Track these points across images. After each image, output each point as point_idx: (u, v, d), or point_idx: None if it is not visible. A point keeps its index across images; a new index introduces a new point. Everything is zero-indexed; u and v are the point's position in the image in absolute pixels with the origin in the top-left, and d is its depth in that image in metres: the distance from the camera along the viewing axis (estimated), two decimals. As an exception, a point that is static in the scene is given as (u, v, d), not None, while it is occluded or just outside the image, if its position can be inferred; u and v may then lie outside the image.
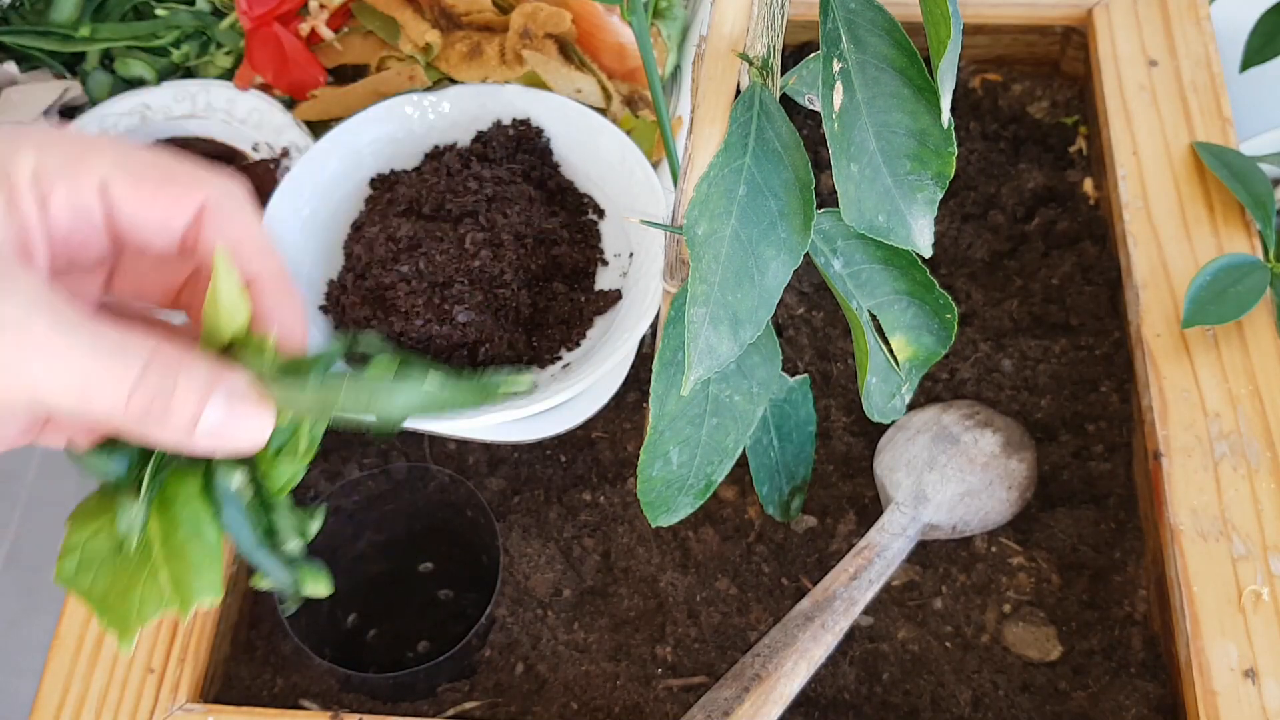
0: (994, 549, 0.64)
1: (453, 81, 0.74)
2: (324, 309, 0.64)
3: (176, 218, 0.37)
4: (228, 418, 0.36)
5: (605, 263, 0.66)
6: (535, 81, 0.71)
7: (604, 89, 0.73)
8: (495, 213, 0.64)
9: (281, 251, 0.59)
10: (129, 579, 0.37)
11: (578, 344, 0.63)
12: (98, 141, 0.37)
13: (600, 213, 0.68)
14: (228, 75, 0.80)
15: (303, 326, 0.40)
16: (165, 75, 0.80)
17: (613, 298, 0.64)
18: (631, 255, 0.66)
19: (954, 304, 0.49)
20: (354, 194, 0.68)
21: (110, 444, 0.39)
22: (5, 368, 0.33)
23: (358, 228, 0.67)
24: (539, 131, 0.69)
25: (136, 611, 0.37)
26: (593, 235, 0.67)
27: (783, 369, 0.54)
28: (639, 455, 0.48)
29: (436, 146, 0.69)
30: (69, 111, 0.78)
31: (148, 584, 0.37)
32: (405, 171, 0.68)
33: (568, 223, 0.66)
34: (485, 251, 0.62)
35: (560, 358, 0.63)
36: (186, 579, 0.37)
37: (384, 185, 0.68)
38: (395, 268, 0.62)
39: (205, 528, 0.38)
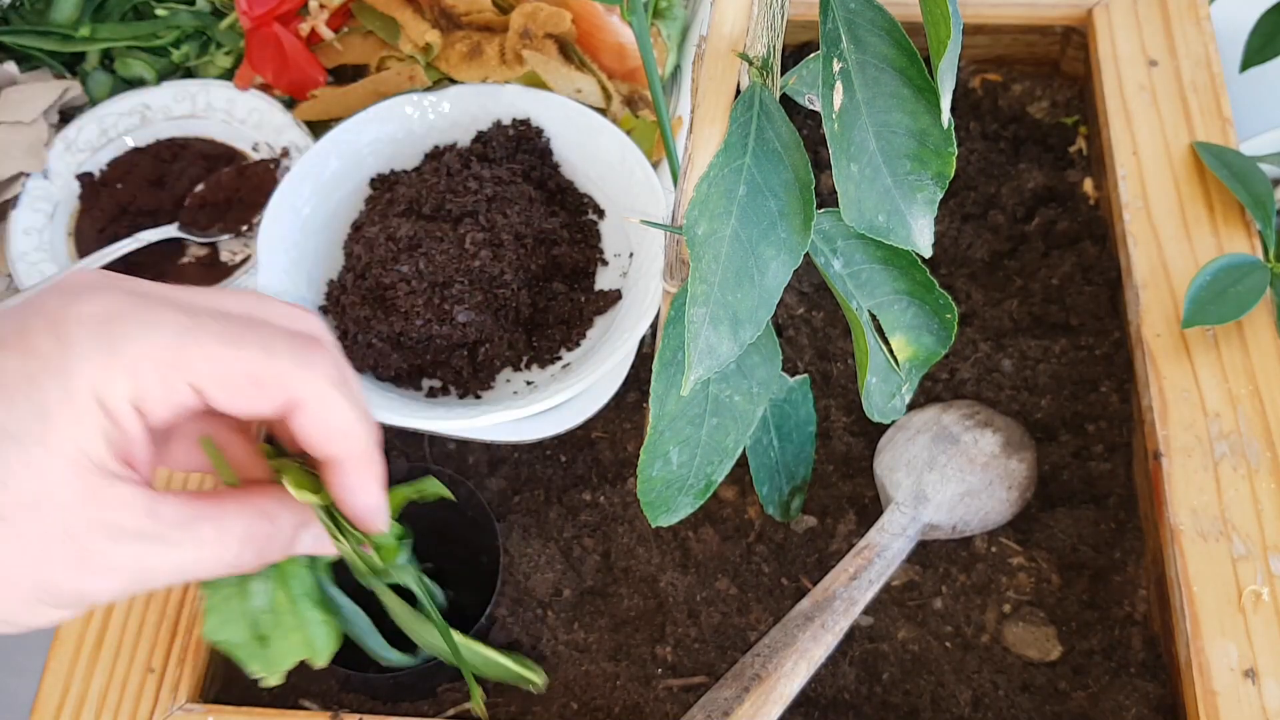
0: (994, 549, 0.64)
1: (453, 81, 0.74)
2: (324, 309, 0.64)
3: (264, 411, 0.41)
4: (315, 546, 0.45)
5: (605, 263, 0.66)
6: (535, 81, 0.71)
7: (604, 89, 0.73)
8: (495, 213, 0.64)
9: (289, 249, 0.59)
10: (267, 633, 0.45)
11: (578, 344, 0.63)
12: (187, 346, 0.39)
13: (600, 213, 0.68)
14: (228, 75, 0.80)
15: (379, 502, 0.45)
16: (165, 75, 0.80)
17: (613, 298, 0.64)
18: (631, 255, 0.66)
19: (954, 304, 0.49)
20: (354, 194, 0.68)
21: None
22: (121, 570, 0.39)
23: (358, 227, 0.67)
24: (539, 131, 0.69)
25: (278, 659, 0.44)
26: (593, 235, 0.67)
27: (783, 369, 0.54)
28: (639, 455, 0.48)
29: (436, 146, 0.69)
30: (69, 112, 0.78)
31: (282, 637, 0.45)
32: (405, 171, 0.68)
33: (568, 223, 0.66)
34: (485, 251, 0.62)
35: (560, 358, 0.63)
36: (311, 639, 0.45)
37: (384, 185, 0.68)
38: (395, 267, 0.62)
39: (316, 598, 0.46)
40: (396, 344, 0.62)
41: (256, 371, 0.40)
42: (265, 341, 0.40)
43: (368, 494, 0.44)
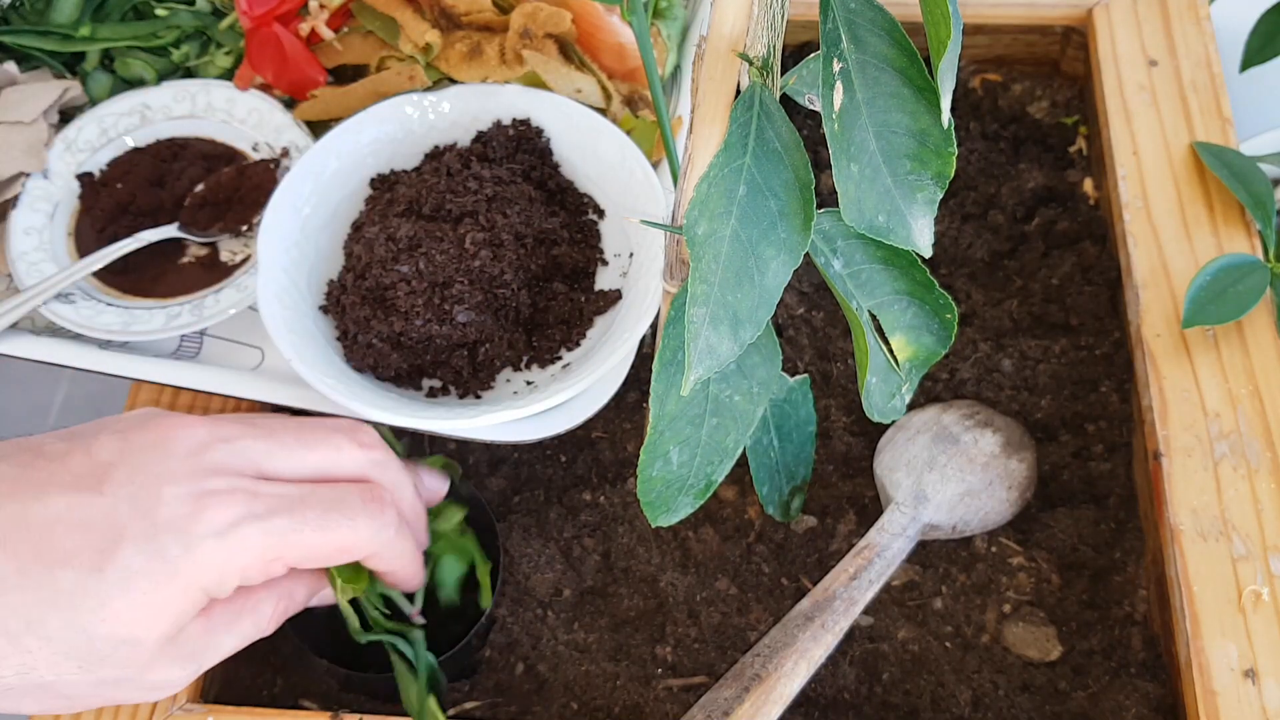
0: (994, 549, 0.64)
1: (453, 81, 0.74)
2: (324, 309, 0.64)
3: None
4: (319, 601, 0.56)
5: (605, 263, 0.66)
6: (535, 81, 0.71)
7: (604, 89, 0.73)
8: (495, 213, 0.64)
9: (289, 249, 0.60)
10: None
11: (578, 344, 0.63)
12: (289, 541, 0.48)
13: (600, 213, 0.68)
14: (228, 75, 0.80)
15: (417, 585, 0.58)
16: (165, 75, 0.80)
17: (613, 298, 0.64)
18: (631, 255, 0.66)
19: (954, 304, 0.49)
20: (354, 194, 0.68)
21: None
22: (180, 682, 0.50)
23: (358, 227, 0.67)
24: (539, 131, 0.69)
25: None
26: (593, 235, 0.67)
27: (783, 369, 0.54)
28: (639, 455, 0.48)
29: (436, 146, 0.69)
30: (69, 112, 0.78)
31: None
32: (405, 171, 0.68)
33: (568, 223, 0.66)
34: (485, 251, 0.62)
35: (560, 358, 0.63)
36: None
37: (384, 185, 0.68)
38: (395, 267, 0.62)
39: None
40: (396, 344, 0.62)
41: (345, 545, 0.50)
42: (351, 516, 0.49)
43: (411, 586, 0.57)
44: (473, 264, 0.61)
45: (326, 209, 0.67)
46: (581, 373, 0.60)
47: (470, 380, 0.63)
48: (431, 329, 0.61)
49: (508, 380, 0.63)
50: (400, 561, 0.53)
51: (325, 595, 0.55)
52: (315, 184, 0.67)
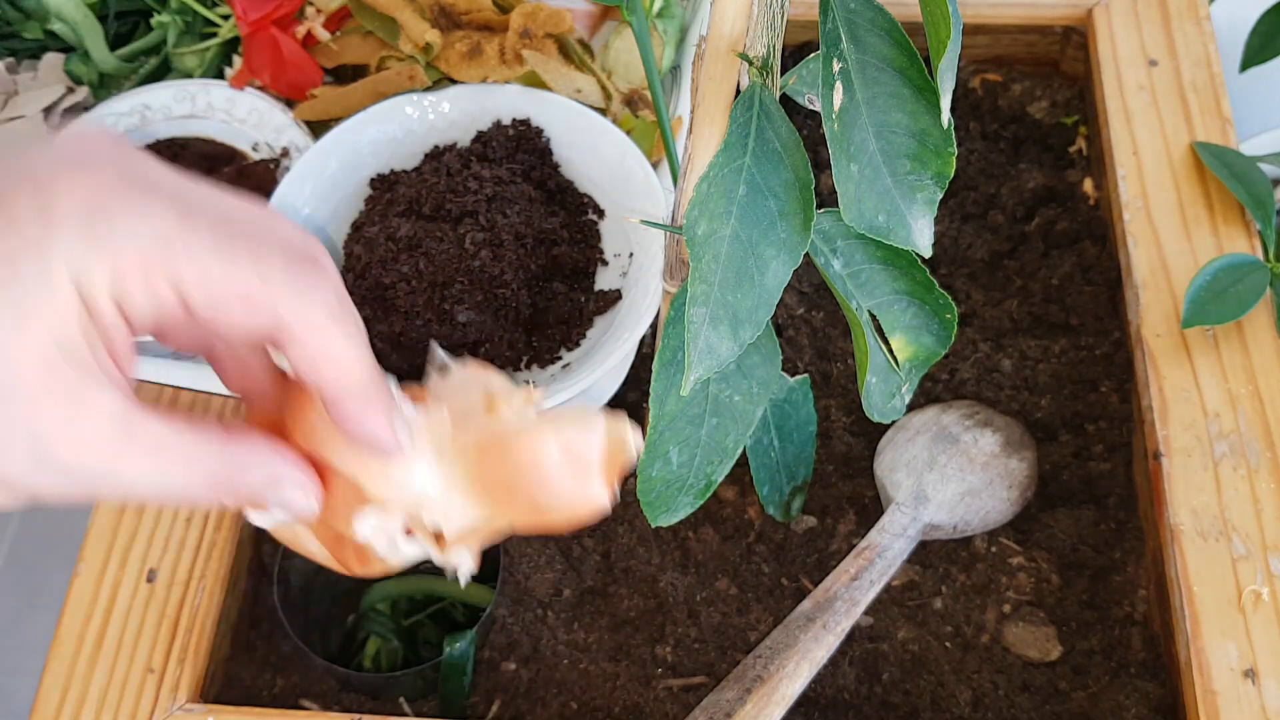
0: (994, 549, 0.64)
1: (453, 81, 0.74)
2: None
3: (251, 332, 0.38)
4: (275, 514, 0.42)
5: (605, 263, 0.66)
6: (535, 81, 0.71)
7: (604, 89, 0.73)
8: (495, 213, 0.64)
9: None
10: None
11: (578, 344, 0.63)
12: (176, 248, 0.36)
13: (600, 213, 0.68)
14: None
15: (382, 431, 0.41)
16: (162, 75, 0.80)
17: (612, 298, 0.64)
18: (631, 255, 0.66)
19: (954, 304, 0.49)
20: (354, 194, 0.68)
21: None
22: (76, 476, 0.36)
23: (358, 227, 0.67)
24: (539, 132, 0.69)
25: None
26: (593, 235, 0.67)
27: (783, 369, 0.54)
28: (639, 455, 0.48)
29: (436, 146, 0.69)
30: (71, 111, 0.78)
31: None
32: (405, 171, 0.68)
33: (568, 223, 0.66)
34: (485, 251, 0.62)
35: (560, 357, 0.63)
36: None
37: (384, 185, 0.68)
38: (395, 267, 0.62)
39: None
40: (396, 344, 0.62)
41: (246, 289, 0.37)
42: (260, 257, 0.37)
43: (369, 423, 0.41)
44: (473, 264, 0.62)
45: (326, 209, 0.67)
46: (581, 373, 0.60)
47: None
48: (431, 329, 0.61)
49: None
50: (340, 372, 0.40)
51: (281, 514, 0.43)
52: (315, 184, 0.67)
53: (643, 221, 0.47)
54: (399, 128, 0.69)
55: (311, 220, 0.66)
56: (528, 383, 0.63)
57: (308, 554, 0.43)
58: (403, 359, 0.62)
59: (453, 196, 0.64)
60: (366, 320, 0.62)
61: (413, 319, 0.61)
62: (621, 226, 0.67)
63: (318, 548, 0.43)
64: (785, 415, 0.60)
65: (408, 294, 0.61)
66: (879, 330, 0.49)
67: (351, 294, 0.63)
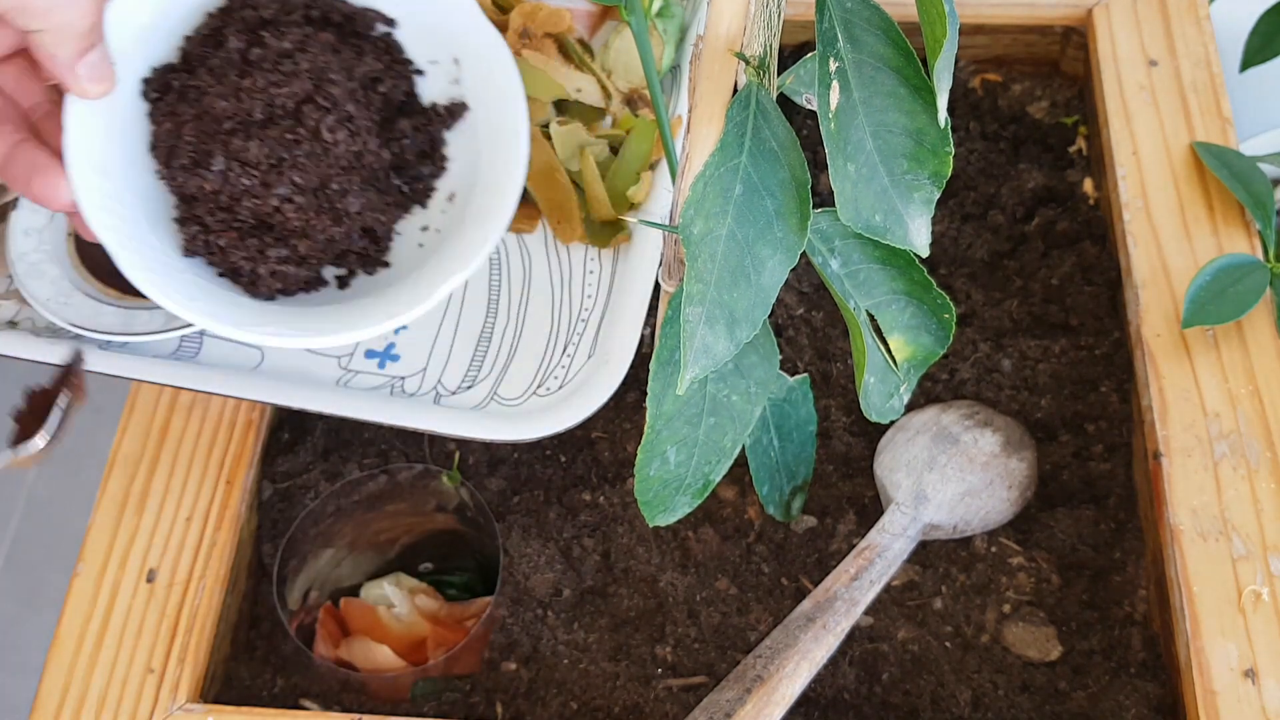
0: (994, 549, 0.64)
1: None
2: (190, 252, 0.59)
3: None
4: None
5: (421, 72, 0.62)
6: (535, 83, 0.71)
7: (604, 88, 0.73)
8: (325, 85, 0.58)
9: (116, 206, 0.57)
10: None
11: (444, 167, 0.61)
12: None
13: (390, 21, 0.62)
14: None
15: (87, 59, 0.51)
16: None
17: (457, 111, 0.61)
18: (457, 61, 0.62)
19: (952, 304, 0.49)
20: (129, 110, 0.59)
21: None
22: None
23: (169, 153, 0.58)
24: None
25: None
26: (395, 50, 0.62)
27: (782, 369, 0.54)
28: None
29: (194, 33, 0.60)
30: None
31: None
32: (187, 73, 0.59)
33: (372, 50, 0.61)
34: (341, 131, 0.58)
35: (435, 188, 0.61)
36: None
37: (166, 92, 0.59)
38: (271, 193, 0.57)
39: None
40: (301, 261, 0.59)
41: None
42: None
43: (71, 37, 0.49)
44: (337, 150, 0.58)
45: (119, 150, 0.58)
46: (480, 188, 0.58)
47: (373, 254, 0.61)
48: (332, 233, 0.58)
49: (400, 234, 0.61)
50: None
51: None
52: (106, 120, 0.57)
53: (641, 221, 0.47)
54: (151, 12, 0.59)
55: (112, 169, 0.57)
56: (423, 228, 0.61)
57: None
58: (308, 270, 0.60)
59: (276, 88, 0.57)
60: (260, 250, 0.58)
61: (313, 235, 0.58)
62: (420, 26, 0.62)
63: None
64: (785, 415, 0.60)
65: (297, 212, 0.57)
66: (877, 330, 0.49)
67: (226, 231, 0.57)
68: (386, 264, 0.61)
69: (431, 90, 0.62)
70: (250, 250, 0.58)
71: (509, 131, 0.60)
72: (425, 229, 0.62)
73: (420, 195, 0.62)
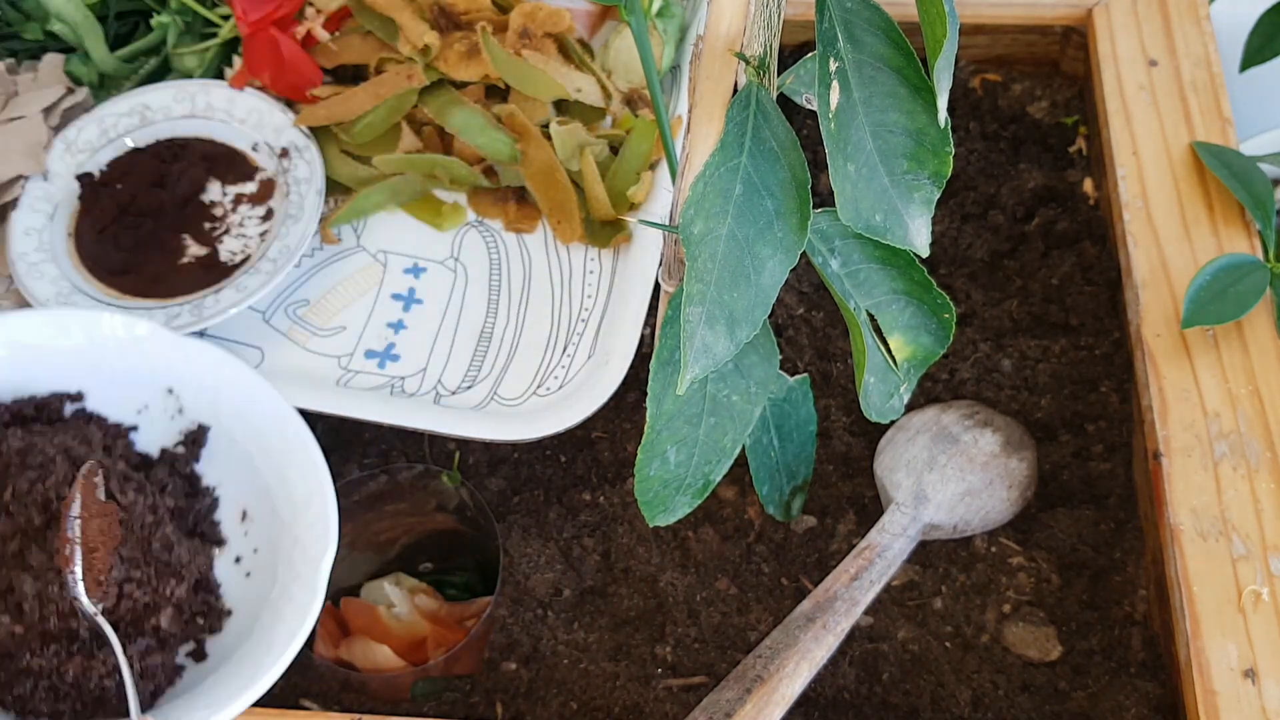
0: (994, 549, 0.64)
1: (453, 81, 0.74)
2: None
3: None
4: None
5: (135, 427, 0.62)
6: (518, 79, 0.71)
7: (603, 88, 0.73)
8: (67, 472, 0.56)
9: None
10: None
11: (214, 496, 0.62)
12: None
13: (77, 397, 0.62)
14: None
15: None
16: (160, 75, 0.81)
17: (199, 436, 0.62)
18: (171, 390, 0.62)
19: (952, 304, 0.49)
20: None
21: None
22: None
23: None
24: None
25: None
26: (98, 420, 0.61)
27: (783, 369, 0.54)
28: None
29: None
30: (71, 111, 0.78)
31: None
32: None
33: (72, 430, 0.60)
34: (131, 494, 0.57)
35: (219, 519, 0.61)
36: None
37: None
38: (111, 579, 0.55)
39: None
40: (162, 644, 0.57)
41: None
42: None
43: None
44: (137, 512, 0.57)
45: None
46: (279, 484, 0.58)
47: (214, 605, 0.60)
48: (179, 592, 0.57)
49: (221, 580, 0.61)
50: None
51: None
52: None
53: (641, 221, 0.47)
54: None
55: None
56: (239, 559, 0.61)
57: None
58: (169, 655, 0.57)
59: (41, 482, 0.56)
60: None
61: (163, 604, 0.57)
62: (109, 384, 0.61)
63: None
64: (785, 415, 0.60)
65: (140, 587, 0.56)
66: (877, 330, 0.49)
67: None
68: (229, 611, 0.60)
69: (155, 436, 0.61)
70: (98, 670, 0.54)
71: (268, 409, 0.59)
72: (239, 560, 0.61)
73: (212, 532, 0.61)
